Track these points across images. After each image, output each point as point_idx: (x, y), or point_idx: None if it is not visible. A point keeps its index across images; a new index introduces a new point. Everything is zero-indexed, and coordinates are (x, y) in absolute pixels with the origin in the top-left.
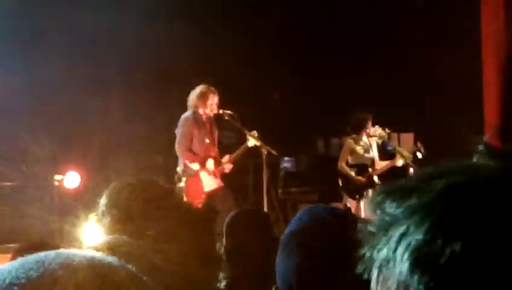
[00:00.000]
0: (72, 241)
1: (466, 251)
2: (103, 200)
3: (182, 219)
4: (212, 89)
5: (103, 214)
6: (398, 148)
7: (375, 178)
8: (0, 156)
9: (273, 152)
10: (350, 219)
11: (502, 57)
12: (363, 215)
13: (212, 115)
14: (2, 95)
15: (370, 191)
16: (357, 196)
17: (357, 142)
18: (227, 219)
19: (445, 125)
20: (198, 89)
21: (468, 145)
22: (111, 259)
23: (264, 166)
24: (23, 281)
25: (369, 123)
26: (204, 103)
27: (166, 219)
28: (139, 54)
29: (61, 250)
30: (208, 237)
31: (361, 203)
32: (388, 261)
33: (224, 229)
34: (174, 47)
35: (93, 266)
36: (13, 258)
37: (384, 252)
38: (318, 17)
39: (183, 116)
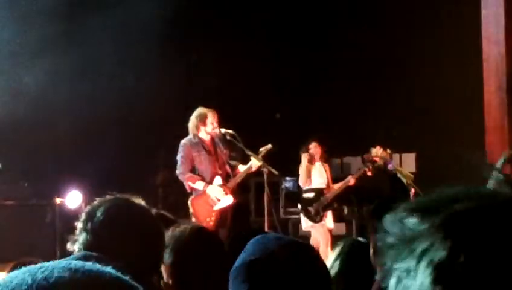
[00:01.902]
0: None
1: (482, 270)
2: (80, 219)
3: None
4: (212, 110)
5: (79, 232)
6: (398, 169)
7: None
8: (2, 174)
9: (275, 172)
10: (299, 248)
11: (502, 78)
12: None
13: (214, 134)
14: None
15: (328, 214)
16: (317, 219)
17: (311, 166)
18: (228, 240)
19: (447, 146)
20: (197, 111)
21: (470, 167)
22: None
23: (266, 186)
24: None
25: (315, 148)
26: (204, 122)
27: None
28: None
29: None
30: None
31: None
32: (409, 272)
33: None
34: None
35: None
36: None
37: (405, 263)
38: (317, 38)
39: (182, 141)
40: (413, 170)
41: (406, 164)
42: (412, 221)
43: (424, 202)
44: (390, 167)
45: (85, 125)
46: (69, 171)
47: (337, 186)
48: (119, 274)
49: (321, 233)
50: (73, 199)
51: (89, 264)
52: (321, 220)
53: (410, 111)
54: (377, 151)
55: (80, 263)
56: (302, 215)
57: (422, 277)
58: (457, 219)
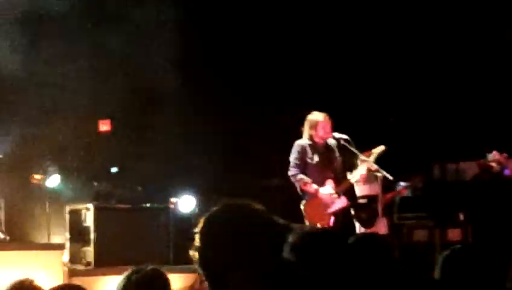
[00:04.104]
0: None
1: None
2: (199, 225)
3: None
4: (324, 115)
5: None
6: None
7: None
8: (117, 178)
9: (389, 177)
10: None
11: None
12: None
13: (327, 138)
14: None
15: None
16: (369, 225)
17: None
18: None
19: None
20: (309, 116)
21: None
22: None
23: (380, 190)
24: None
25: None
26: (315, 128)
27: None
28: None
29: None
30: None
31: None
32: None
33: None
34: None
35: None
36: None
37: None
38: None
39: (296, 142)
40: None
41: None
42: None
43: None
44: (507, 172)
45: (199, 128)
46: (182, 175)
47: (388, 195)
48: None
49: None
50: (186, 203)
51: None
52: (372, 226)
53: None
54: (493, 157)
55: None
56: (355, 220)
57: None
58: None
